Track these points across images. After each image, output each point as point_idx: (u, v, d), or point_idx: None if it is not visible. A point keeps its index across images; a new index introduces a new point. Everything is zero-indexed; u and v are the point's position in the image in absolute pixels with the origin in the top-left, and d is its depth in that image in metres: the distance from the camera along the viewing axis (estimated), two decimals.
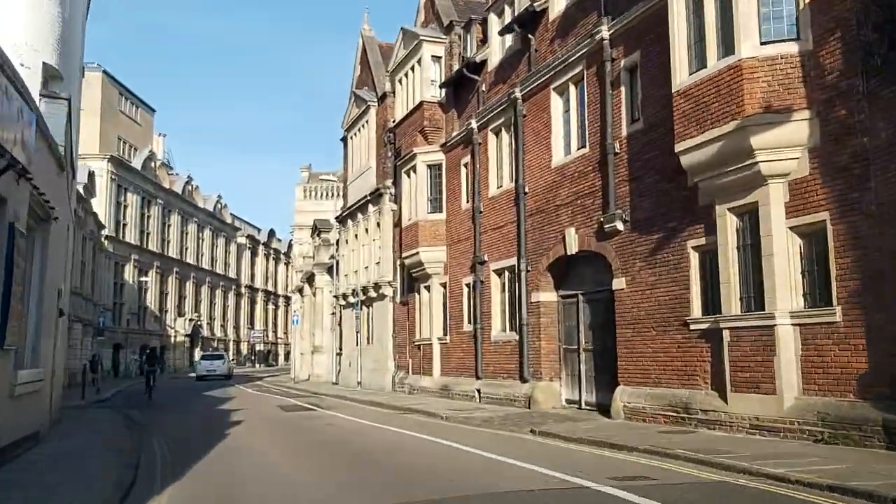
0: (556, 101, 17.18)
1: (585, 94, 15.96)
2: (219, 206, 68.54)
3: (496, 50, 20.29)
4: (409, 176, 24.19)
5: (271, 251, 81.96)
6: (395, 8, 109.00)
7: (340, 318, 33.93)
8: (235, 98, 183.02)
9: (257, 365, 69.38)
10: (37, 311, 11.19)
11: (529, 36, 18.23)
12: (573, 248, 16.03)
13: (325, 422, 16.76)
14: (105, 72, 52.72)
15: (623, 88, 14.59)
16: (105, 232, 44.43)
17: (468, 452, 10.88)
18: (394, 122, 27.47)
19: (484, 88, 20.77)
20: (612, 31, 14.80)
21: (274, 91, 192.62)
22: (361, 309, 29.68)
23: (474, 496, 7.63)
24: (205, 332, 62.42)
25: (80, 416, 18.20)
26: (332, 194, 52.43)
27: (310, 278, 42.06)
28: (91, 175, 40.72)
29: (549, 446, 11.52)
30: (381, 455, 11.08)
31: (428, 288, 23.49)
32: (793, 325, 10.44)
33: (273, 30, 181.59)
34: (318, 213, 50.33)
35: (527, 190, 18.01)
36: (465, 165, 21.62)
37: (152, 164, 55.52)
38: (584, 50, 15.72)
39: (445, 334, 22.36)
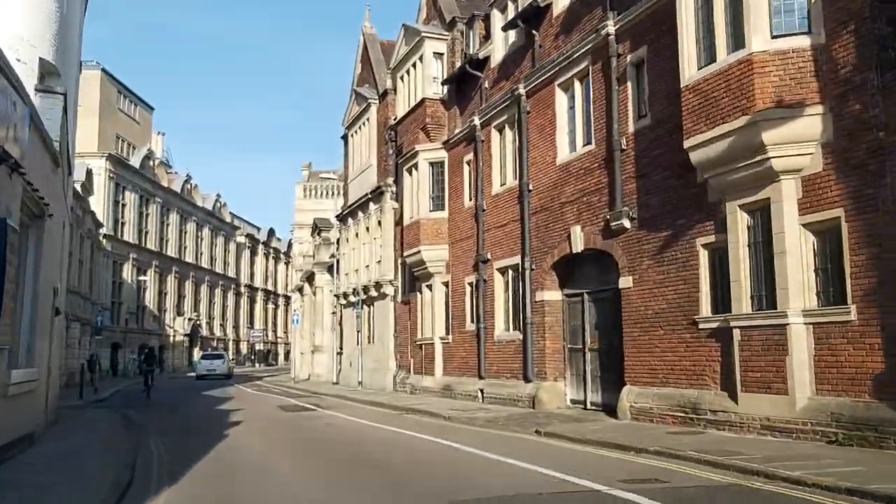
0: (560, 98, 16.96)
1: (591, 90, 15.74)
2: (218, 204, 68.36)
3: (499, 46, 20.07)
4: (410, 174, 23.97)
5: (271, 250, 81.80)
6: (396, 6, 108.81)
7: (341, 317, 33.72)
8: (235, 97, 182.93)
9: (257, 364, 69.23)
10: (31, 310, 10.97)
11: (533, 32, 18.00)
12: (578, 246, 15.81)
13: (325, 422, 16.59)
14: (104, 70, 52.53)
15: (629, 84, 14.37)
16: (103, 231, 44.21)
17: (472, 454, 10.67)
18: (395, 119, 27.25)
19: (487, 85, 20.55)
20: (618, 26, 14.58)
21: (274, 90, 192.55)
22: (362, 308, 29.47)
23: (482, 499, 7.42)
24: (204, 331, 62.23)
25: (78, 416, 18.02)
26: (333, 193, 52.23)
27: (310, 277, 41.88)
28: (89, 173, 40.56)
29: (555, 447, 11.31)
30: (382, 455, 10.90)
31: (430, 287, 23.27)
32: (806, 323, 10.22)
33: (273, 29, 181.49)
34: (319, 211, 50.11)
35: (531, 187, 17.79)
36: (468, 163, 21.40)
37: (151, 163, 55.32)
38: (590, 45, 15.50)
39: (448, 334, 22.15)
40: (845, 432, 9.47)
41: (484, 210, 20.15)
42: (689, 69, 11.81)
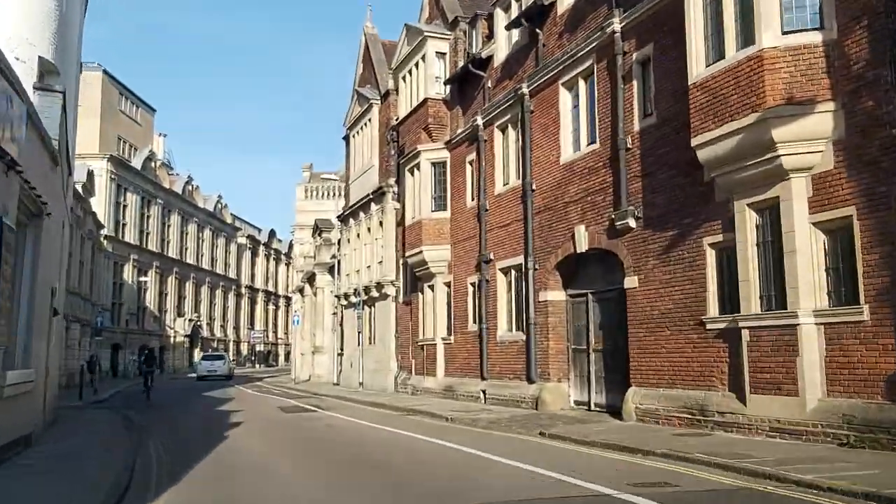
0: (564, 97, 16.80)
1: (595, 88, 15.57)
2: (219, 206, 68.20)
3: (502, 45, 19.91)
4: (412, 174, 23.82)
5: (272, 251, 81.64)
6: (397, 6, 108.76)
7: (342, 318, 33.55)
8: (235, 98, 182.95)
9: (257, 365, 69.06)
10: (28, 310, 10.78)
11: (537, 30, 17.84)
12: (583, 245, 15.64)
13: (326, 423, 16.44)
14: (105, 71, 52.36)
15: (635, 82, 14.20)
16: (104, 231, 44.04)
17: (474, 455, 10.50)
18: (397, 119, 27.11)
19: (490, 84, 20.39)
20: (623, 24, 14.42)
21: (274, 91, 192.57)
22: (363, 309, 29.31)
23: (484, 503, 7.24)
24: (204, 332, 62.04)
25: (78, 417, 17.88)
26: (334, 194, 52.12)
27: (311, 278, 41.73)
28: (90, 174, 40.43)
29: (559, 449, 11.13)
30: (383, 456, 10.77)
31: (432, 287, 23.10)
32: (816, 324, 10.04)
33: (273, 30, 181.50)
34: (320, 212, 49.99)
35: (534, 187, 17.62)
36: (471, 163, 21.24)
37: (152, 164, 55.16)
38: (595, 44, 15.34)
39: (449, 334, 21.98)
40: (857, 434, 9.29)
41: (486, 210, 19.98)
42: (697, 66, 11.65)
